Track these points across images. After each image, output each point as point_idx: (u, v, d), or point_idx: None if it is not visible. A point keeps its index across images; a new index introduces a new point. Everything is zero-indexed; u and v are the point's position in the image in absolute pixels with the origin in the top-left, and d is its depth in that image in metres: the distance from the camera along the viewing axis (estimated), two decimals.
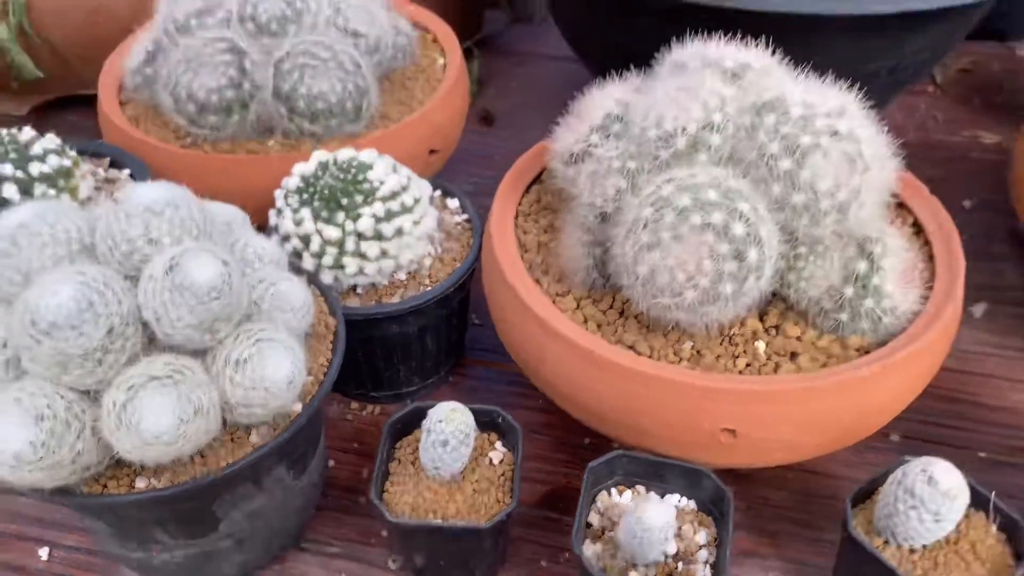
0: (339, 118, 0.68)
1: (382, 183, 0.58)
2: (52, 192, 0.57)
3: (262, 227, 0.63)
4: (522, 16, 1.15)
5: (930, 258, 0.57)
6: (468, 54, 1.05)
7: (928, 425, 0.65)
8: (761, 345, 0.51)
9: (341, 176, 0.58)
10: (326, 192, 0.57)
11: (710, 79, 0.51)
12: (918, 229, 0.60)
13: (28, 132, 0.60)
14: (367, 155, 0.59)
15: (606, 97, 0.56)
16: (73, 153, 0.61)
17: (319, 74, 0.67)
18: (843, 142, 0.48)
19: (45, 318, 0.40)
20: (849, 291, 0.51)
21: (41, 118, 0.98)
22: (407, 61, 0.78)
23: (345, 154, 0.59)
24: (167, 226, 0.43)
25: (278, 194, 0.60)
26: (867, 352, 0.51)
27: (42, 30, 0.83)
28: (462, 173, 0.90)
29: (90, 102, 0.97)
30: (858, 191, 0.48)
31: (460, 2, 1.04)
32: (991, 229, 0.82)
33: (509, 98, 1.02)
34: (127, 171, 0.66)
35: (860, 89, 0.77)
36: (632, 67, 0.82)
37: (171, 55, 0.68)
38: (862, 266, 0.51)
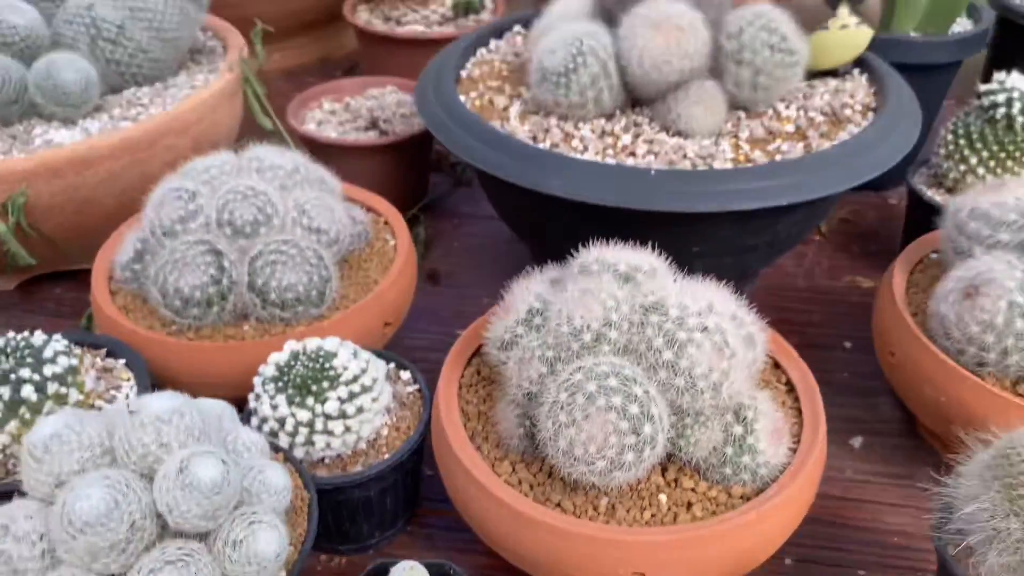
0: (305, 305, 0.80)
1: (345, 368, 0.69)
2: (63, 389, 0.67)
3: (241, 403, 0.73)
4: (462, 181, 1.30)
5: (800, 411, 0.70)
6: (416, 219, 1.20)
7: (818, 549, 0.77)
8: (663, 498, 0.63)
9: (310, 365, 0.69)
10: (298, 380, 0.68)
11: (607, 283, 0.64)
12: (791, 385, 0.73)
13: (40, 336, 0.70)
14: (331, 344, 0.71)
15: (528, 293, 0.68)
16: (78, 351, 0.71)
17: (288, 268, 0.79)
18: (712, 335, 0.61)
19: (80, 518, 0.49)
20: (729, 450, 0.63)
21: (27, 292, 1.08)
22: (363, 244, 0.90)
23: (313, 344, 0.71)
24: (175, 432, 0.54)
25: (256, 381, 0.70)
26: (748, 499, 0.63)
27: (35, 222, 0.94)
28: (413, 330, 1.02)
29: (74, 276, 1.08)
30: (727, 372, 0.61)
31: (411, 171, 1.18)
32: (867, 367, 0.95)
33: (453, 257, 1.15)
34: (122, 360, 0.76)
35: (744, 257, 0.91)
36: (539, 237, 0.96)
37: (158, 255, 0.80)
38: (738, 429, 0.63)
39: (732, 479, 0.64)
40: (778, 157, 0.85)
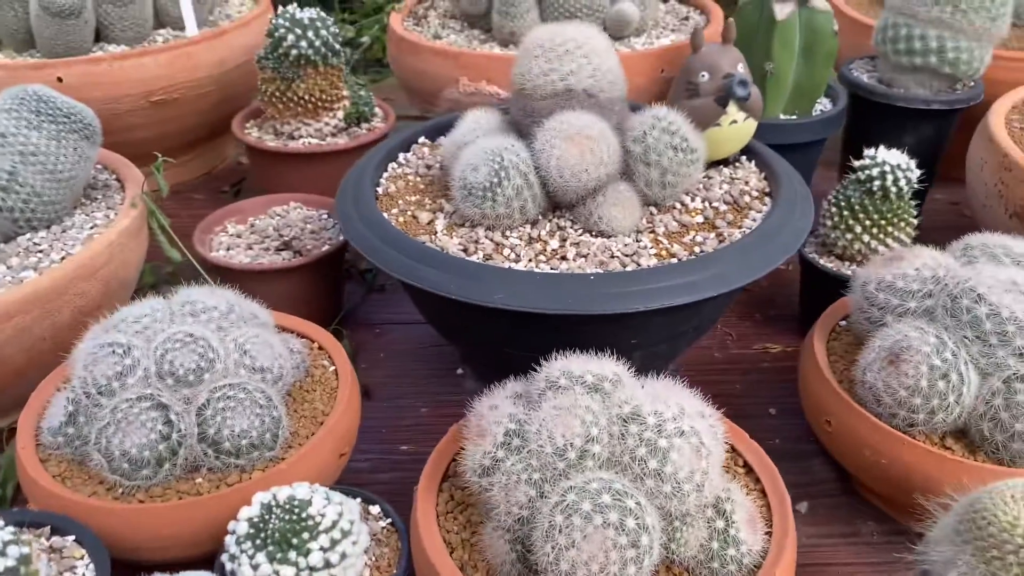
0: (260, 449, 0.77)
1: (323, 516, 0.67)
2: None
3: (202, 562, 0.70)
4: (373, 287, 1.30)
5: (762, 492, 0.74)
6: (339, 334, 1.18)
7: None
8: None
9: (285, 516, 0.67)
10: (276, 535, 0.66)
11: (580, 398, 0.66)
12: (749, 467, 0.77)
13: None
14: (302, 491, 0.69)
15: (498, 414, 0.69)
16: (27, 537, 0.66)
17: (238, 414, 0.76)
18: (689, 438, 0.63)
19: None
20: (715, 545, 0.66)
21: None
22: (302, 374, 0.89)
23: (283, 493, 0.69)
24: None
25: (229, 540, 0.67)
26: None
27: None
28: (356, 451, 1.00)
29: None
30: (706, 471, 0.64)
31: (327, 286, 1.17)
32: (794, 431, 1.02)
33: (380, 369, 1.14)
34: (71, 537, 0.71)
35: (675, 343, 0.96)
36: (474, 342, 0.97)
37: (96, 416, 0.76)
38: (720, 524, 0.66)
39: (720, 572, 0.66)
40: (696, 248, 0.90)
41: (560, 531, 0.60)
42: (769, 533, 0.70)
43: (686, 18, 1.61)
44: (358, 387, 0.90)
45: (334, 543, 0.67)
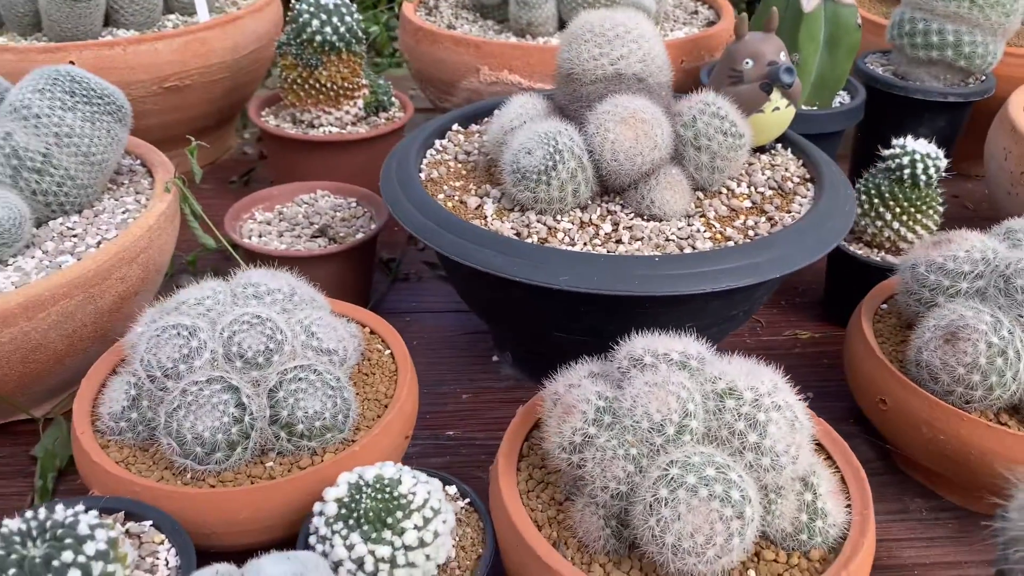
0: (333, 432, 0.76)
1: (413, 494, 0.67)
2: (109, 568, 0.60)
3: (278, 544, 0.69)
4: (398, 277, 1.29)
5: (833, 464, 0.75)
6: None
7: None
8: (753, 574, 0.65)
9: (378, 496, 0.66)
10: (370, 514, 0.65)
11: (672, 374, 0.67)
12: (819, 444, 0.78)
13: (61, 510, 0.63)
14: (390, 470, 0.68)
15: (587, 391, 0.69)
16: (111, 521, 0.64)
17: (310, 396, 0.75)
18: (785, 412, 0.64)
19: None
20: (804, 517, 0.67)
21: None
22: (360, 358, 0.88)
23: (370, 473, 0.68)
24: None
25: (318, 521, 0.66)
26: (826, 560, 0.67)
27: None
28: None
29: (17, 425, 0.96)
30: (801, 445, 0.65)
31: (359, 275, 1.16)
32: (835, 413, 1.03)
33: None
34: (148, 522, 0.69)
35: (726, 326, 0.97)
36: (522, 326, 0.97)
37: (163, 399, 0.74)
38: (808, 496, 0.67)
39: (808, 544, 0.67)
40: (750, 232, 0.92)
41: (666, 504, 0.61)
42: (849, 506, 0.71)
43: (695, 12, 1.63)
44: (414, 369, 0.90)
45: (426, 522, 0.66)
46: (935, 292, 0.86)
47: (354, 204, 1.21)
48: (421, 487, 0.68)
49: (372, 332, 0.93)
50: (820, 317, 1.21)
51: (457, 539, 0.72)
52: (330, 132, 1.34)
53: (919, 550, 0.86)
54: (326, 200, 1.21)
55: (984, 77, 1.33)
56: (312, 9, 1.26)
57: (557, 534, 0.69)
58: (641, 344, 0.72)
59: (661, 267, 0.83)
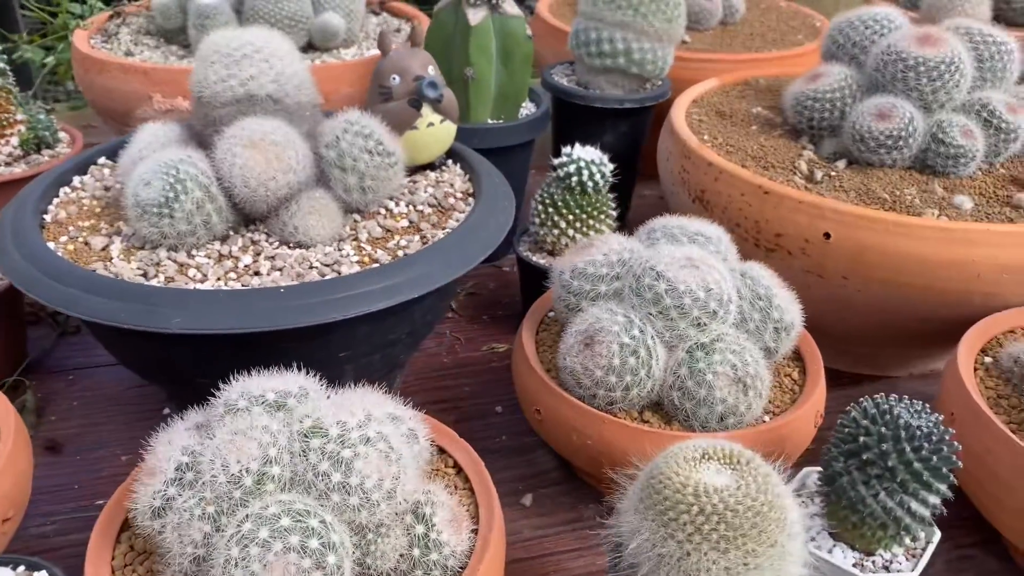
0: None
1: None
2: None
3: None
4: (67, 330, 1.16)
5: (470, 488, 0.73)
6: (19, 386, 1.04)
7: None
8: None
9: None
10: None
11: (258, 417, 0.61)
12: (459, 467, 0.75)
13: None
14: None
15: (172, 448, 0.62)
16: None
17: None
18: (375, 444, 0.60)
19: None
20: (416, 552, 0.63)
21: None
22: None
23: None
24: None
25: None
26: None
27: None
28: (38, 515, 0.88)
29: None
30: (397, 476, 0.61)
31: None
32: (519, 426, 1.02)
33: (74, 419, 1.02)
34: None
35: (390, 352, 0.93)
36: (172, 378, 0.90)
37: None
38: (420, 529, 0.64)
39: None
40: (400, 252, 0.88)
41: (237, 565, 0.55)
42: (476, 530, 0.68)
43: (398, 30, 1.60)
44: (26, 441, 0.79)
45: None
46: (579, 297, 0.86)
47: None
48: None
49: None
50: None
51: None
52: None
53: (588, 559, 0.86)
54: None
55: (660, 82, 1.38)
56: None
57: None
58: (239, 387, 0.66)
59: (288, 298, 0.77)
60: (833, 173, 1.06)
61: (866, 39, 1.14)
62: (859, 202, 0.99)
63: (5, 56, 1.20)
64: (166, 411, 1.03)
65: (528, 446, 1.00)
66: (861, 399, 0.72)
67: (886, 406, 0.70)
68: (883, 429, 0.69)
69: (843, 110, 1.09)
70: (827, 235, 0.95)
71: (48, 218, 0.92)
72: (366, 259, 0.87)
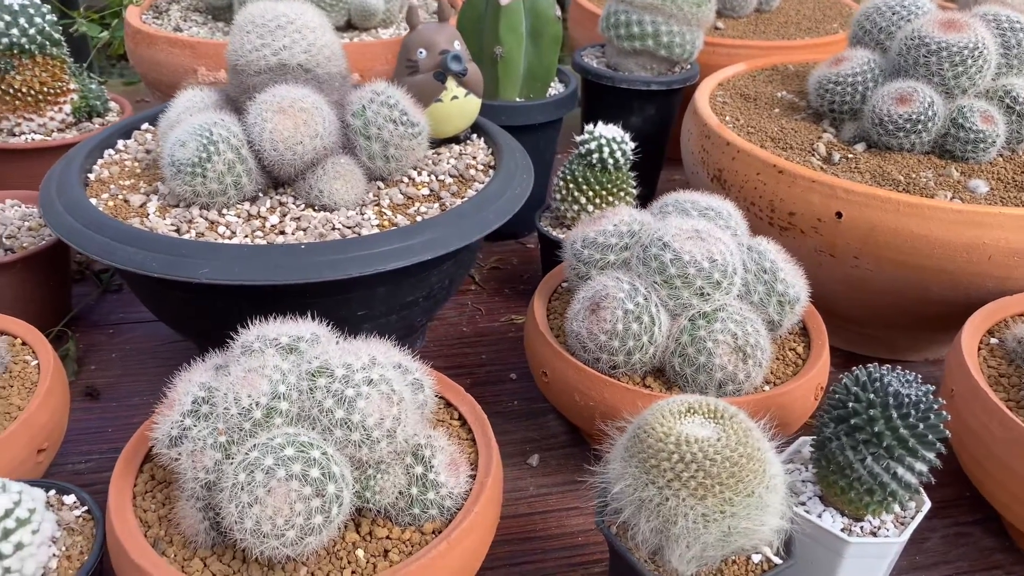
0: None
1: None
2: None
3: None
4: (110, 288, 1.22)
5: (474, 441, 0.76)
6: (63, 335, 1.11)
7: (515, 566, 0.83)
8: (360, 553, 0.65)
9: None
10: None
11: (270, 357, 0.65)
12: (464, 419, 0.79)
13: None
14: None
15: (191, 384, 0.67)
16: None
17: None
18: (378, 386, 0.64)
19: None
20: (415, 491, 0.67)
21: None
22: (1, 370, 0.82)
23: None
24: None
25: None
26: (439, 532, 0.67)
27: None
28: (75, 453, 0.94)
29: None
30: (399, 417, 0.64)
31: (47, 286, 1.09)
32: (531, 392, 1.05)
33: (112, 369, 1.08)
34: None
35: (407, 314, 0.97)
36: (202, 329, 0.95)
37: None
38: (419, 469, 0.67)
39: (422, 517, 0.67)
40: (419, 218, 0.92)
41: (243, 488, 0.59)
42: (475, 476, 0.71)
43: (435, 13, 1.64)
44: (63, 379, 0.85)
45: (7, 533, 0.62)
46: (588, 265, 0.89)
47: None
48: (4, 498, 0.63)
49: (24, 343, 0.87)
50: None
51: (64, 549, 0.68)
52: (33, 140, 1.26)
53: (588, 517, 0.89)
54: (15, 210, 1.13)
55: (688, 66, 1.40)
56: None
57: (165, 532, 0.66)
58: (256, 331, 0.70)
59: (307, 254, 0.82)
60: (851, 155, 1.07)
61: (892, 24, 1.14)
62: (873, 183, 1.00)
63: (61, 28, 1.26)
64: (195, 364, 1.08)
65: (538, 411, 1.03)
66: (854, 367, 0.74)
67: (877, 374, 0.72)
68: (872, 396, 0.70)
69: (864, 94, 1.10)
70: (839, 214, 0.96)
71: (92, 177, 0.98)
72: (386, 223, 0.91)
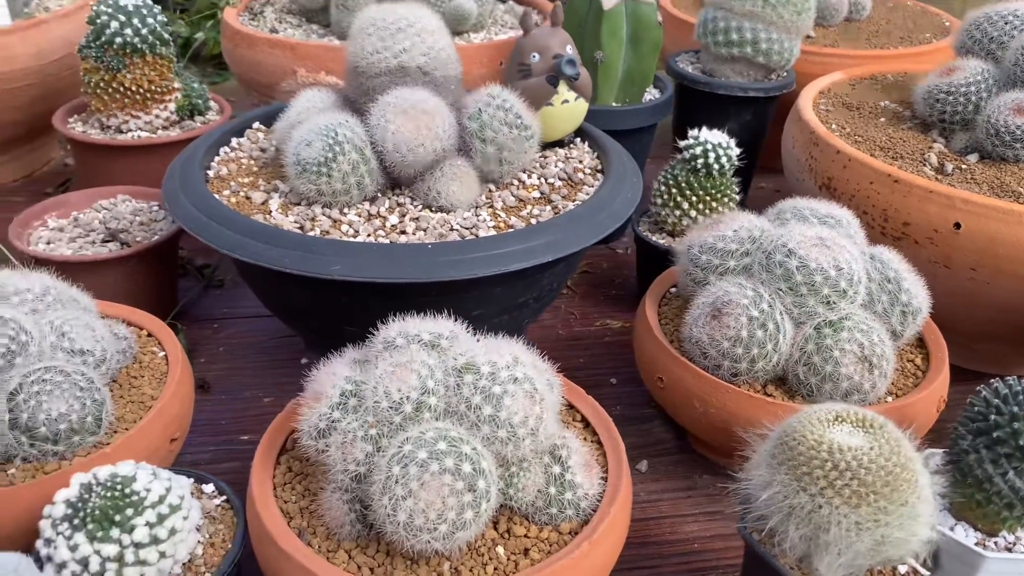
0: (82, 434, 0.73)
1: (148, 491, 0.64)
2: None
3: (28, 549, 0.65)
4: (212, 283, 1.25)
5: (599, 443, 0.76)
6: (173, 328, 1.13)
7: (636, 570, 0.83)
8: (501, 550, 0.65)
9: (107, 494, 0.63)
10: (96, 513, 0.62)
11: (416, 353, 0.66)
12: (586, 422, 0.79)
13: None
14: (125, 468, 0.65)
15: (336, 377, 0.68)
16: None
17: (55, 398, 0.72)
18: (522, 384, 0.65)
19: None
20: (552, 490, 0.67)
21: None
22: (129, 360, 0.84)
23: (104, 471, 0.65)
24: None
25: (44, 524, 0.63)
26: (576, 533, 0.67)
27: None
28: (192, 445, 0.96)
29: None
30: (541, 417, 0.65)
31: (158, 280, 1.11)
32: (634, 398, 1.05)
33: (220, 363, 1.10)
34: None
35: (517, 314, 0.97)
36: (316, 325, 0.96)
37: None
38: (556, 469, 0.68)
39: (559, 517, 0.68)
40: (532, 221, 0.93)
41: (397, 482, 0.60)
42: (605, 478, 0.72)
43: (550, 16, 1.65)
44: (190, 370, 0.87)
45: (162, 518, 0.64)
46: (707, 271, 0.89)
47: (156, 208, 1.17)
48: (158, 483, 0.65)
49: (149, 335, 0.90)
50: (633, 308, 1.23)
51: (208, 536, 0.69)
52: (140, 137, 1.29)
53: (703, 524, 0.89)
54: (127, 205, 1.16)
55: (785, 73, 1.39)
56: (110, 11, 1.22)
57: (307, 523, 0.67)
58: (397, 327, 0.71)
59: (434, 254, 0.83)
60: (964, 166, 1.05)
61: (1005, 34, 1.12)
62: (991, 195, 0.98)
63: (169, 27, 1.29)
64: (304, 360, 1.10)
65: (644, 417, 1.03)
66: (992, 380, 0.73)
67: (1019, 387, 0.71)
68: (1015, 408, 0.69)
69: (977, 104, 1.09)
70: (957, 225, 0.95)
71: (211, 173, 1.00)
72: (501, 225, 0.92)
